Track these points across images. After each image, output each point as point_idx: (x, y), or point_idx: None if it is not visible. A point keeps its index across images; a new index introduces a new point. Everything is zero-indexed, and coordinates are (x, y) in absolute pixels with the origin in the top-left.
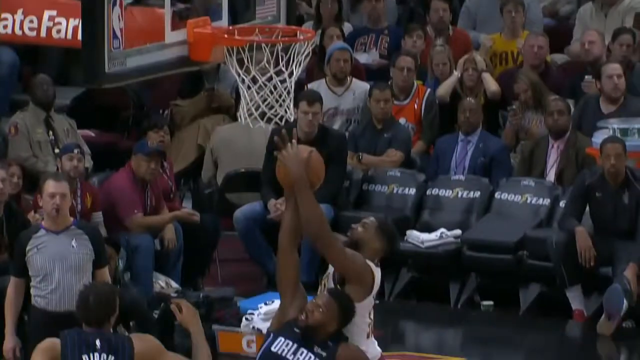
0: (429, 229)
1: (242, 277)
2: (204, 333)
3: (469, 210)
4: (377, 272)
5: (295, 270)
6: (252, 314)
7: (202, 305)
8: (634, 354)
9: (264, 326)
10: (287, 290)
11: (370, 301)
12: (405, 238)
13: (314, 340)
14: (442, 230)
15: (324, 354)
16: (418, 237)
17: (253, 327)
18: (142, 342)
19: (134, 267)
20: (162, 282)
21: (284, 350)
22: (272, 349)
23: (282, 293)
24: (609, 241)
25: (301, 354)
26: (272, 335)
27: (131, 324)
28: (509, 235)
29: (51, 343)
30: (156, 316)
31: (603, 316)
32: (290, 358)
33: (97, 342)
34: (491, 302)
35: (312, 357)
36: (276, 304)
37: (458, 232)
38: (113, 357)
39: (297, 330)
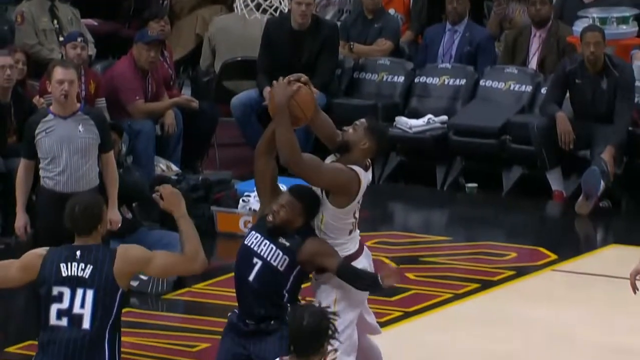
0: (417, 115)
1: (239, 161)
2: (204, 215)
3: (455, 97)
4: (364, 176)
5: (272, 175)
6: (249, 196)
7: (201, 188)
8: (609, 232)
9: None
10: (265, 193)
11: (354, 205)
12: (394, 124)
13: (281, 234)
14: (430, 116)
15: (287, 244)
16: (406, 123)
17: (249, 208)
18: (124, 258)
19: (136, 151)
20: (163, 165)
21: (253, 242)
22: (246, 242)
23: (260, 195)
24: (587, 125)
25: (265, 245)
26: (248, 230)
27: (133, 205)
28: (492, 121)
29: (34, 256)
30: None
31: (581, 196)
32: (256, 249)
33: (78, 253)
34: (475, 184)
35: (274, 248)
36: None
37: (444, 117)
38: (91, 267)
39: (268, 225)
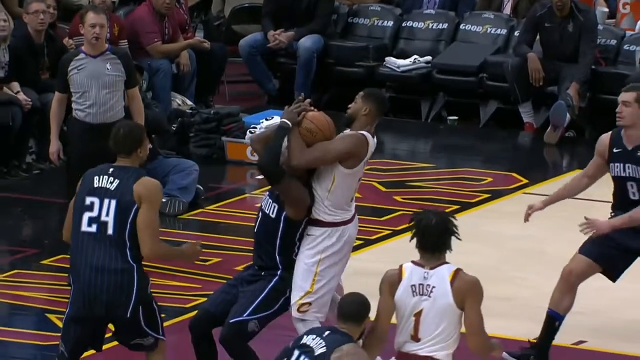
0: (404, 55)
1: (247, 96)
2: (215, 144)
3: (438, 39)
4: (371, 141)
5: None
6: (255, 127)
7: (213, 120)
8: (574, 158)
9: None
10: None
11: (360, 168)
12: (384, 63)
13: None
14: (415, 56)
15: (276, 192)
16: (395, 63)
17: None
18: (143, 185)
19: (154, 87)
20: (179, 100)
21: (262, 201)
22: (261, 202)
23: None
24: (555, 64)
25: (265, 200)
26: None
27: (153, 136)
28: (471, 60)
29: None
30: (174, 129)
31: (549, 127)
32: (262, 203)
33: (111, 170)
34: (456, 117)
35: (269, 199)
36: (276, 119)
37: (429, 58)
38: (118, 182)
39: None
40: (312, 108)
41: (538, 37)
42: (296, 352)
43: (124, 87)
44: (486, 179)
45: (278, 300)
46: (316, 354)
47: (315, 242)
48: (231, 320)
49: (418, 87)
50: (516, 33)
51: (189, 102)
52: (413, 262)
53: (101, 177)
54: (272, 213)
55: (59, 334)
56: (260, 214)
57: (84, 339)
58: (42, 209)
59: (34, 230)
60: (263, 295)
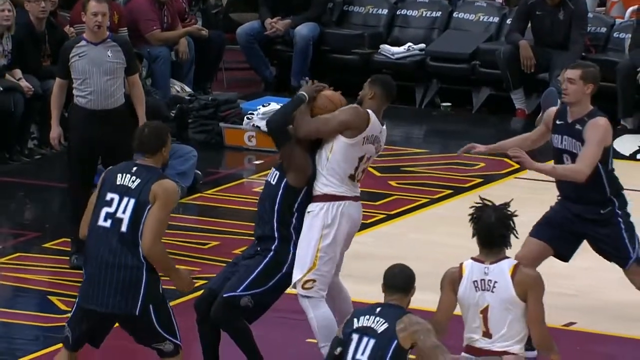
0: (399, 43)
1: (244, 83)
2: (213, 130)
3: (432, 27)
4: (374, 119)
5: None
6: (252, 113)
7: (211, 106)
8: None
9: (262, 124)
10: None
11: (360, 142)
12: (378, 51)
13: None
14: (409, 44)
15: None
16: (389, 50)
17: (253, 125)
18: (161, 185)
19: (154, 74)
20: (178, 87)
21: (269, 174)
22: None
23: None
24: (546, 51)
25: (271, 172)
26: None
27: None
28: (464, 48)
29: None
30: (173, 115)
31: (541, 113)
32: (268, 178)
33: (134, 168)
34: (449, 103)
35: (275, 171)
36: (272, 105)
37: (422, 45)
38: (139, 181)
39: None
40: (331, 88)
41: (530, 25)
42: (355, 336)
43: (124, 74)
44: (479, 164)
45: (273, 277)
46: (379, 332)
47: (315, 218)
48: (224, 295)
49: (412, 74)
50: (508, 21)
51: (188, 89)
52: (473, 258)
53: (124, 174)
54: (273, 180)
55: (61, 316)
56: (265, 185)
57: (89, 331)
58: (43, 193)
59: (35, 214)
60: (257, 271)
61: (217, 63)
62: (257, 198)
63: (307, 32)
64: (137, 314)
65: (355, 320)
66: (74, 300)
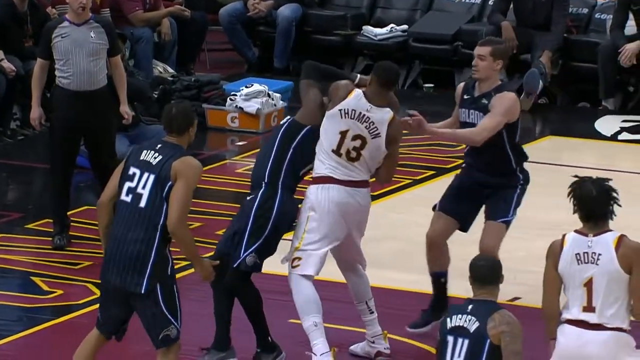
0: (381, 24)
1: (227, 64)
2: (196, 111)
3: (414, 8)
4: (356, 96)
5: None
6: (235, 95)
7: (194, 87)
8: (546, 125)
9: (245, 105)
10: None
11: (336, 113)
12: (361, 32)
13: None
14: (392, 25)
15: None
16: (372, 31)
17: (236, 106)
18: (183, 162)
19: (137, 55)
20: (160, 68)
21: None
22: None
23: None
24: (528, 32)
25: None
26: None
27: (135, 104)
28: (446, 29)
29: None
30: (155, 96)
31: (523, 94)
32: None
33: (159, 145)
34: (431, 85)
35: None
36: (255, 87)
37: (405, 26)
38: (160, 157)
39: None
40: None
41: (512, 5)
42: (450, 338)
43: (106, 56)
44: (461, 145)
45: (265, 227)
46: (472, 331)
47: (307, 199)
48: (234, 266)
49: (394, 55)
50: (490, 2)
51: (170, 70)
52: (576, 231)
53: (149, 151)
54: (280, 125)
55: (44, 297)
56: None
57: (111, 310)
58: (26, 173)
59: (18, 195)
60: (249, 228)
61: (200, 44)
62: (240, 179)
63: (290, 13)
64: (142, 292)
65: (449, 320)
66: (57, 281)
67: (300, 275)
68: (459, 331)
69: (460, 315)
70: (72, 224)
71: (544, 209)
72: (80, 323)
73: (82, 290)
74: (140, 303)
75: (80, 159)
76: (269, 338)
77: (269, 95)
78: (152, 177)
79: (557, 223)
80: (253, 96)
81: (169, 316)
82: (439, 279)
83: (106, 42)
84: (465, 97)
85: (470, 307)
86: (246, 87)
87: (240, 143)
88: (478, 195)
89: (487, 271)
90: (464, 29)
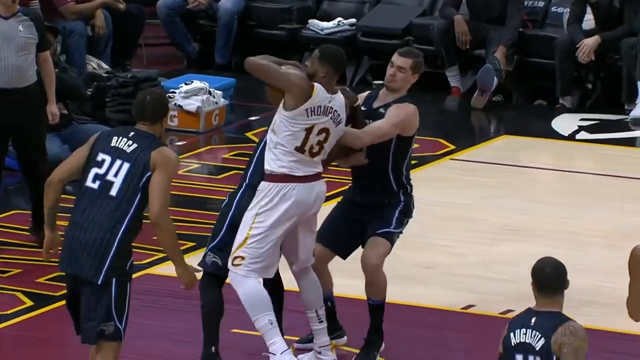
0: (328, 17)
1: (165, 59)
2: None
3: (363, 1)
4: (319, 92)
5: None
6: (174, 92)
7: (130, 84)
8: (501, 123)
9: (184, 103)
10: None
11: (301, 113)
12: (307, 26)
13: None
14: (339, 18)
15: None
16: (318, 25)
17: (175, 104)
18: (161, 153)
19: (69, 50)
20: (94, 64)
21: None
22: None
23: None
24: (482, 27)
25: None
26: None
27: (67, 102)
28: (397, 23)
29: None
30: (89, 93)
31: (476, 92)
32: None
33: (132, 133)
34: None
35: None
36: (195, 84)
37: (353, 20)
38: (135, 146)
39: None
40: None
41: None
42: (519, 357)
43: (35, 50)
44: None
45: (223, 225)
46: (537, 348)
47: (257, 197)
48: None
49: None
50: None
51: (105, 66)
52: None
53: (120, 137)
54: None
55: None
56: None
57: (72, 300)
58: None
59: None
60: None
61: (136, 38)
62: (181, 182)
63: (232, 6)
64: (98, 282)
65: (512, 335)
66: None
67: (243, 275)
68: (526, 348)
69: (524, 330)
70: (0, 229)
71: (499, 212)
72: (8, 335)
73: (11, 299)
74: (89, 291)
75: (8, 160)
76: (213, 348)
77: (210, 92)
78: (126, 165)
79: (514, 227)
80: (193, 94)
81: (114, 313)
82: (325, 302)
83: (36, 36)
84: (363, 108)
85: (533, 319)
86: (186, 84)
87: (179, 143)
88: (355, 222)
89: (553, 278)
90: (415, 23)
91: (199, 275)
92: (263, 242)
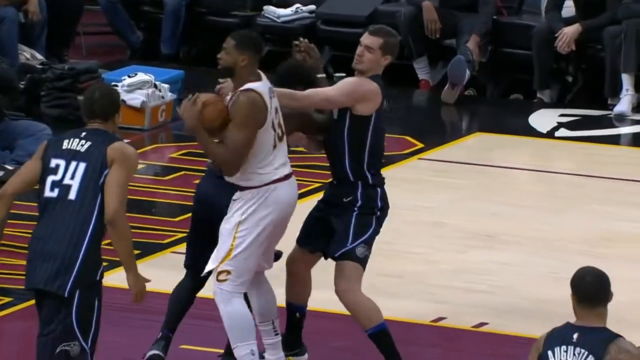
0: (285, 4)
1: (106, 49)
2: (70, 104)
3: None
4: (263, 90)
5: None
6: (117, 85)
7: (68, 77)
8: (474, 120)
9: (128, 97)
10: None
11: (268, 125)
12: (262, 13)
13: None
14: (298, 5)
15: None
16: (274, 12)
17: None
18: (117, 148)
19: None
20: (27, 54)
21: None
22: None
23: None
24: (453, 14)
25: None
26: None
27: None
28: (360, 10)
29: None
30: (22, 86)
31: (447, 85)
32: None
33: (84, 133)
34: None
35: None
36: (139, 76)
37: (312, 7)
38: (89, 144)
39: None
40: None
41: None
42: None
43: None
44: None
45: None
46: None
47: (240, 206)
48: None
49: None
50: None
51: (39, 56)
52: None
53: (72, 139)
54: None
55: None
56: None
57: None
58: None
59: None
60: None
61: (74, 26)
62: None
63: None
64: (66, 295)
65: (551, 354)
66: None
67: (231, 292)
68: None
69: (565, 347)
70: None
71: (472, 217)
72: None
73: None
74: (53, 305)
75: None
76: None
77: (155, 86)
78: (82, 165)
79: (488, 233)
80: (137, 87)
81: (77, 331)
82: (294, 312)
83: None
84: None
85: (575, 335)
86: (129, 76)
87: (126, 141)
88: (321, 220)
89: (595, 288)
90: (380, 10)
91: (149, 286)
92: (248, 251)
